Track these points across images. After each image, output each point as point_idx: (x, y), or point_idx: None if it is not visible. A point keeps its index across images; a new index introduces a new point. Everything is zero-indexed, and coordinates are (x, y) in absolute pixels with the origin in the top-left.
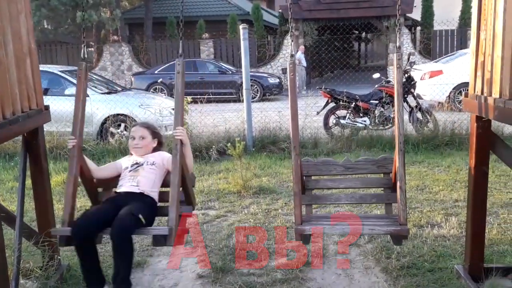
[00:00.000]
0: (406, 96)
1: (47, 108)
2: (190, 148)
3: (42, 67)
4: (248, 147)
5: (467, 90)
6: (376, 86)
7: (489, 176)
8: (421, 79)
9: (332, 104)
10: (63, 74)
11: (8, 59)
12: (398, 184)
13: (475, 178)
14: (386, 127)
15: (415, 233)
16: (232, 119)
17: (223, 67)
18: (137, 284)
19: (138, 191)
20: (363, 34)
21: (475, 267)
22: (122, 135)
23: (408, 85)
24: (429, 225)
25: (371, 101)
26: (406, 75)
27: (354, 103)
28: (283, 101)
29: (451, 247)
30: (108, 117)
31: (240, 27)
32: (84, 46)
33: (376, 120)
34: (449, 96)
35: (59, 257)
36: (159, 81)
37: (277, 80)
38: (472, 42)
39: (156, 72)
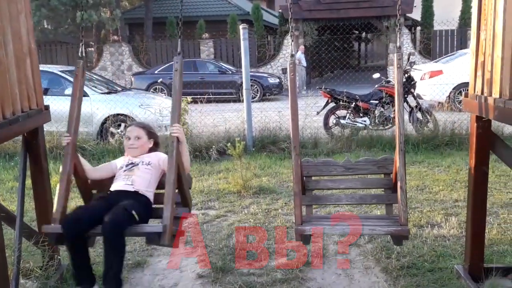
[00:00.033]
0: (406, 96)
1: (47, 108)
2: (187, 147)
3: (42, 67)
4: (248, 147)
5: (467, 90)
6: (376, 86)
7: (489, 176)
8: (421, 79)
9: (332, 104)
10: (63, 74)
11: (8, 59)
12: (398, 184)
13: (475, 178)
14: (386, 127)
15: (415, 233)
16: (232, 119)
17: (223, 67)
18: (137, 284)
19: (132, 189)
20: (363, 34)
21: (475, 267)
22: (122, 135)
23: (408, 85)
24: (429, 225)
25: (371, 101)
26: (406, 75)
27: (354, 103)
28: (283, 101)
29: (451, 247)
30: (108, 117)
31: (240, 27)
32: (82, 45)
33: (376, 120)
34: (449, 96)
35: (59, 257)
36: (159, 81)
37: (277, 80)
38: (472, 42)
39: (156, 72)
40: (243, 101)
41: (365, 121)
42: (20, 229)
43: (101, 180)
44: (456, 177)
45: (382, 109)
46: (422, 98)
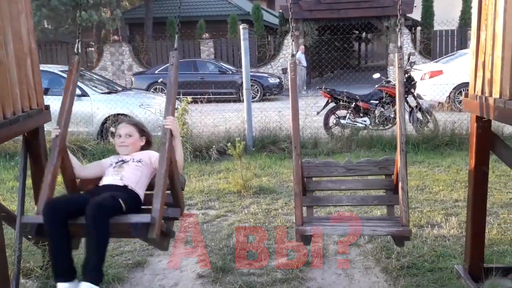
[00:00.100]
0: (406, 96)
1: (47, 108)
2: (180, 143)
3: (43, 67)
4: (248, 147)
5: (467, 90)
6: (376, 86)
7: (489, 176)
8: (421, 79)
9: (332, 104)
10: (63, 74)
11: (8, 59)
12: (400, 184)
13: (475, 178)
14: (386, 127)
15: (415, 233)
16: (232, 119)
17: (223, 67)
18: (137, 283)
19: (121, 184)
20: (363, 34)
21: (475, 267)
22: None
23: (408, 85)
24: (429, 225)
25: (371, 101)
26: (406, 75)
27: (354, 103)
28: (283, 101)
29: (451, 247)
30: (109, 117)
31: (240, 27)
32: (78, 41)
33: (376, 120)
34: (449, 96)
35: None
36: (159, 81)
37: (277, 80)
38: (472, 42)
39: (156, 72)
40: (243, 101)
41: (365, 121)
42: (20, 229)
43: (90, 180)
44: (456, 177)
45: (382, 109)
46: (422, 98)
